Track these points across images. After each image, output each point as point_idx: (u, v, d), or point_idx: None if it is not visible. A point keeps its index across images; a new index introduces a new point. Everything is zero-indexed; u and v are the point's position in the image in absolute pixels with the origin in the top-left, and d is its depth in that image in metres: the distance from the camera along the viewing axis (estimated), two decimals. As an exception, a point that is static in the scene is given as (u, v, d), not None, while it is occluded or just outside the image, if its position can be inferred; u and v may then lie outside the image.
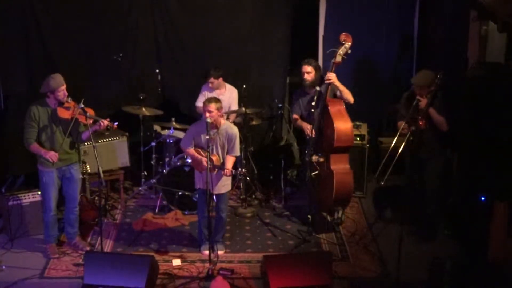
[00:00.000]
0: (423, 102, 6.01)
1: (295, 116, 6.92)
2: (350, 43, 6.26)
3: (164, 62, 7.94)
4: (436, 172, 6.28)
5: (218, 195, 6.10)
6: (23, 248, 6.31)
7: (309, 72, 6.66)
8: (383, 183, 5.82)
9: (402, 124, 6.04)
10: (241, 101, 7.30)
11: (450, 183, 6.72)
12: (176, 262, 6.08)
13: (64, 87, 5.82)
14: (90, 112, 5.94)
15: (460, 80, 6.59)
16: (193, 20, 7.78)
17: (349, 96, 6.49)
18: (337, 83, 6.40)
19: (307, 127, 6.64)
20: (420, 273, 5.74)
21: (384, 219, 6.89)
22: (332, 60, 6.31)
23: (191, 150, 6.03)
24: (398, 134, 5.91)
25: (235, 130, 6.01)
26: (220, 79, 7.29)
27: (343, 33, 6.29)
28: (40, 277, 5.84)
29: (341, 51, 6.26)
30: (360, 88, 6.59)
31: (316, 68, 6.71)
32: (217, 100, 5.89)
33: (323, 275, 5.49)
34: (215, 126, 5.89)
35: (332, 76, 6.34)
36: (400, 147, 5.74)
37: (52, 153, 5.83)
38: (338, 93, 6.52)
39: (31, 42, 7.46)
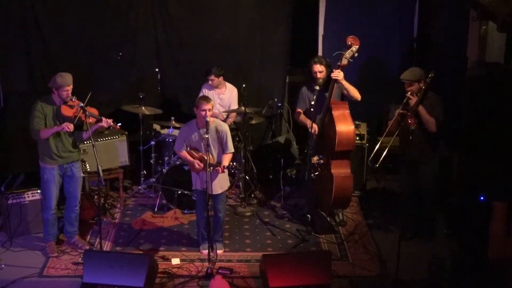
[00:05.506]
0: (412, 100, 5.99)
1: (298, 110, 6.76)
2: (357, 46, 6.10)
3: (163, 61, 7.93)
4: (430, 177, 6.24)
5: (215, 195, 6.08)
6: (22, 247, 6.31)
7: (321, 71, 6.47)
8: (377, 165, 5.85)
9: (391, 123, 6.04)
10: (241, 100, 7.30)
11: (449, 182, 6.71)
12: (175, 261, 6.08)
13: (69, 87, 5.82)
14: (94, 112, 5.95)
15: (460, 80, 6.58)
16: (193, 19, 7.78)
17: (356, 94, 6.41)
18: (344, 82, 6.31)
19: (310, 123, 6.44)
20: (420, 273, 5.74)
21: (383, 220, 6.88)
22: (338, 63, 6.18)
23: (184, 153, 6.04)
24: (386, 131, 5.97)
25: (225, 127, 6.02)
26: (221, 78, 7.30)
27: (350, 36, 6.14)
28: (39, 276, 5.84)
29: (348, 54, 6.12)
30: (359, 88, 6.54)
31: (327, 65, 6.51)
32: (210, 99, 5.97)
33: (322, 274, 5.48)
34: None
35: (339, 75, 6.20)
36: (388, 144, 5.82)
37: (66, 123, 5.81)
38: (345, 92, 6.46)
39: (31, 40, 7.45)
